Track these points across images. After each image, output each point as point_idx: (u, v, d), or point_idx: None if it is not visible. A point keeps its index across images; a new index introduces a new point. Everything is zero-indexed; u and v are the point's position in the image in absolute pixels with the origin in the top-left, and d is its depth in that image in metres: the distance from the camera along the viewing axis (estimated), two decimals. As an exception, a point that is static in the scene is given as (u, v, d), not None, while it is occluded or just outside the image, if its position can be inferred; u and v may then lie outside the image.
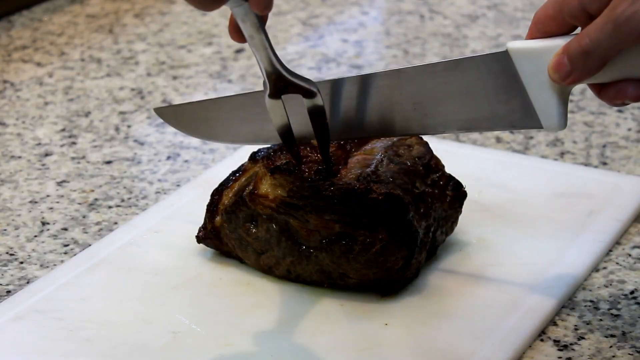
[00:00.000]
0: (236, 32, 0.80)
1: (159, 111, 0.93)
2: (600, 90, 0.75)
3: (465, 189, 0.91)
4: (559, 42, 0.74)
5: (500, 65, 0.77)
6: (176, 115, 0.92)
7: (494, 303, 0.84)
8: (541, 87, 0.76)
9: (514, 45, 0.76)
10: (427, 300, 0.85)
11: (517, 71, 0.77)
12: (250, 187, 0.87)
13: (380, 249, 0.83)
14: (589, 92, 1.23)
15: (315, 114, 0.83)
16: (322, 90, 0.83)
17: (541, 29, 0.75)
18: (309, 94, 0.82)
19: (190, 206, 0.98)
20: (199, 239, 0.92)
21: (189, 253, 0.92)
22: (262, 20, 0.78)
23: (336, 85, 0.84)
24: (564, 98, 0.76)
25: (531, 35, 0.76)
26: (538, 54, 0.75)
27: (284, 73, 0.81)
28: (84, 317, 0.84)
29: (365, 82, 0.83)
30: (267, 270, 0.89)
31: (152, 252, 0.93)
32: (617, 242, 0.93)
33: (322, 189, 0.84)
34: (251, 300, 0.86)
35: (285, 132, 0.84)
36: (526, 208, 0.97)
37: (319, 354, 0.80)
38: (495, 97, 0.79)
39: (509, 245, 0.92)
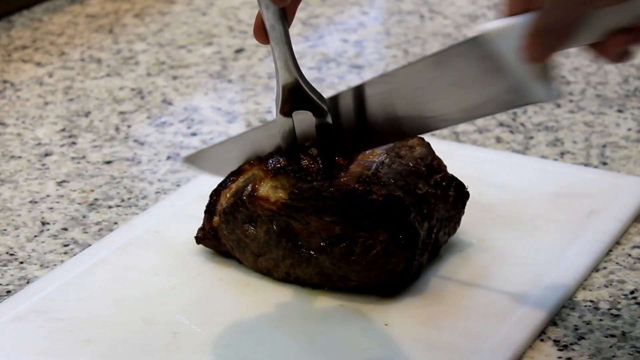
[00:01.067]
0: (260, 32, 0.80)
1: (189, 160, 0.96)
2: (595, 50, 0.74)
3: (468, 190, 0.91)
4: (527, 18, 0.74)
5: (480, 49, 0.77)
6: (203, 160, 0.95)
7: (494, 303, 0.84)
8: (521, 63, 0.75)
9: (486, 27, 0.76)
10: (427, 300, 0.85)
11: (495, 52, 0.76)
12: (249, 189, 0.87)
13: (381, 250, 0.83)
14: (589, 92, 1.23)
15: (323, 131, 0.84)
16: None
17: (511, 8, 0.75)
18: (319, 112, 0.83)
19: (190, 206, 0.98)
20: (198, 240, 0.92)
21: (189, 253, 0.92)
22: (285, 16, 0.79)
23: (332, 102, 0.84)
24: (546, 68, 0.76)
25: (503, 13, 0.76)
26: (510, 31, 0.75)
27: (301, 81, 0.81)
28: (84, 317, 0.84)
29: (359, 93, 0.84)
30: (266, 273, 0.89)
31: (152, 252, 0.93)
32: (617, 242, 0.93)
33: (322, 190, 0.84)
34: (251, 301, 0.86)
35: (290, 147, 0.85)
36: (526, 208, 0.97)
37: (319, 354, 0.80)
38: (485, 81, 0.78)
39: (509, 245, 0.92)
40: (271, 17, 0.79)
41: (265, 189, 0.86)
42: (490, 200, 0.98)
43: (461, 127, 1.15)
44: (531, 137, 1.13)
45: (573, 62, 1.32)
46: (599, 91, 1.24)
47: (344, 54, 1.37)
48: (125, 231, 0.96)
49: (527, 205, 0.98)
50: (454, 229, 0.91)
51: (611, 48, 0.73)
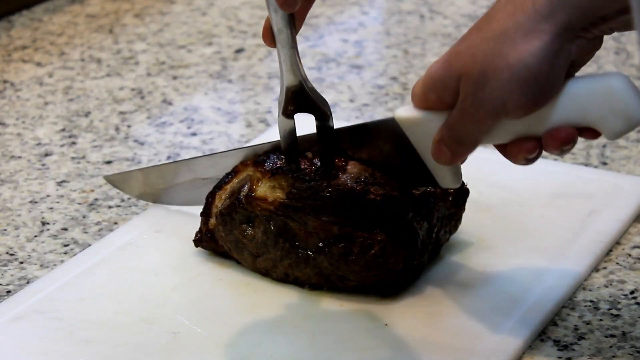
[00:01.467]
0: (269, 35, 0.81)
1: (108, 179, 1.01)
2: (502, 151, 0.77)
3: (467, 187, 0.91)
4: (437, 116, 0.76)
5: (394, 131, 0.80)
6: (123, 181, 1.00)
7: (494, 303, 0.84)
8: (429, 151, 0.78)
9: (400, 114, 0.79)
10: (428, 300, 0.85)
11: (408, 137, 0.80)
12: (246, 190, 0.87)
13: (379, 250, 0.83)
14: (589, 92, 1.23)
15: (324, 133, 0.84)
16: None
17: (419, 104, 0.78)
18: (322, 115, 0.84)
19: (190, 206, 0.98)
20: (196, 243, 0.92)
21: (189, 253, 0.92)
22: (293, 21, 0.79)
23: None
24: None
25: (415, 104, 0.78)
26: (421, 123, 0.78)
27: (305, 85, 0.82)
28: (83, 317, 0.84)
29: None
30: (265, 273, 0.88)
31: (152, 252, 0.93)
32: (617, 242, 0.93)
33: (320, 190, 0.84)
34: (251, 301, 0.86)
35: (290, 148, 0.85)
36: (526, 208, 0.97)
37: (319, 354, 0.80)
38: (401, 160, 0.82)
39: (509, 245, 0.92)
40: (279, 22, 0.79)
41: (263, 189, 0.86)
42: (491, 200, 0.98)
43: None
44: (531, 137, 1.13)
45: (573, 62, 1.32)
46: (599, 91, 1.23)
47: (344, 54, 1.37)
48: (125, 231, 0.96)
49: (528, 205, 0.98)
50: (455, 227, 0.91)
51: (517, 153, 0.75)
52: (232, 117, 1.20)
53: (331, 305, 0.85)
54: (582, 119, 0.73)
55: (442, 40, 1.40)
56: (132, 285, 0.88)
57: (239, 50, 1.38)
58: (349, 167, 0.86)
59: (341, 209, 0.83)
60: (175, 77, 1.31)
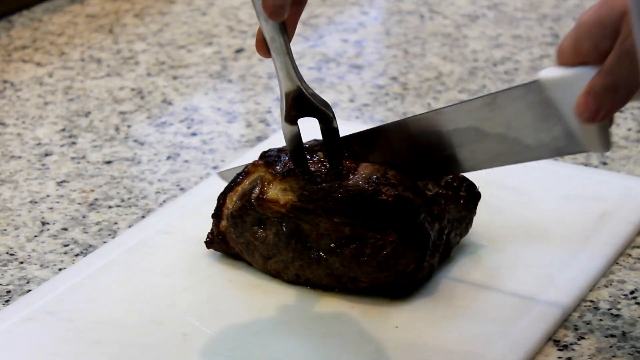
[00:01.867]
0: (263, 45, 0.81)
1: (222, 175, 0.99)
2: None
3: (479, 190, 0.91)
4: (588, 71, 0.72)
5: (536, 95, 0.76)
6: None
7: (505, 306, 0.84)
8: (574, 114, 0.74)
9: (545, 74, 0.75)
10: (438, 303, 0.85)
11: (552, 100, 0.75)
12: (257, 192, 0.87)
13: (390, 251, 0.83)
14: (589, 92, 1.23)
15: (330, 136, 0.84)
16: (364, 140, 0.85)
17: (568, 58, 0.73)
18: (325, 118, 0.84)
19: (201, 207, 0.97)
20: (208, 244, 0.91)
21: (200, 254, 0.92)
22: (285, 28, 0.80)
23: (374, 135, 0.85)
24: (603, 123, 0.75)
25: (562, 61, 0.74)
26: (570, 82, 0.73)
27: (304, 89, 0.82)
28: (94, 318, 0.84)
29: (403, 127, 0.84)
30: (276, 275, 0.88)
31: (163, 253, 0.93)
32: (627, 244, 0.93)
33: (331, 191, 0.84)
34: (261, 302, 0.86)
35: (298, 153, 0.85)
36: (537, 210, 0.97)
37: (329, 356, 0.80)
38: (536, 127, 0.77)
39: (521, 247, 0.92)
40: (271, 30, 0.79)
41: (275, 192, 0.86)
42: (502, 202, 0.98)
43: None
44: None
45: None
46: (599, 91, 1.23)
47: (344, 54, 1.37)
48: (136, 232, 0.96)
49: (539, 207, 0.98)
50: (466, 230, 0.91)
51: None
52: (232, 117, 1.20)
53: (341, 307, 0.85)
54: None
55: (442, 40, 1.40)
56: (143, 286, 0.88)
57: (239, 50, 1.38)
58: (360, 168, 0.85)
59: (353, 209, 0.83)
60: (175, 77, 1.31)
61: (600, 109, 0.72)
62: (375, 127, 0.86)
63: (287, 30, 0.80)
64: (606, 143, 0.75)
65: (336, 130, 0.84)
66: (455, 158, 0.83)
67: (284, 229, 0.86)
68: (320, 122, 0.84)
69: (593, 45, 0.71)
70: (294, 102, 0.82)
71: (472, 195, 0.90)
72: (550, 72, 0.74)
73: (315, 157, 0.86)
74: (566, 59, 0.73)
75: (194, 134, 1.16)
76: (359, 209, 0.83)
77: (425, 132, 0.83)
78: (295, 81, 0.82)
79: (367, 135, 0.85)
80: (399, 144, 0.84)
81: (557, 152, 0.78)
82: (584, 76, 0.72)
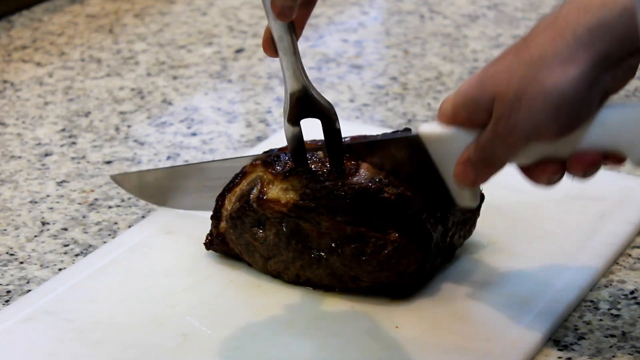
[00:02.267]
0: (270, 45, 0.81)
1: (114, 178, 1.02)
2: (524, 172, 0.78)
3: (483, 192, 0.91)
4: (464, 135, 0.77)
5: (414, 148, 0.81)
6: (130, 182, 1.00)
7: (506, 306, 0.84)
8: (450, 168, 0.79)
9: (425, 130, 0.79)
10: (439, 302, 0.85)
11: (429, 153, 0.80)
12: (256, 192, 0.87)
13: (392, 251, 0.83)
14: (589, 92, 1.23)
15: (332, 136, 0.84)
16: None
17: (447, 119, 0.78)
18: (327, 119, 0.84)
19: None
20: (207, 245, 0.91)
21: (200, 255, 0.92)
22: (293, 27, 0.80)
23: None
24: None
25: (441, 119, 0.79)
26: (446, 141, 0.78)
27: (309, 88, 0.82)
28: (94, 318, 0.84)
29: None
30: (276, 275, 0.88)
31: (163, 253, 0.93)
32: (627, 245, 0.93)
33: (334, 189, 0.84)
34: (262, 302, 0.86)
35: (299, 153, 0.85)
36: (538, 210, 0.97)
37: (330, 356, 0.79)
38: (416, 176, 0.83)
39: (521, 247, 0.92)
40: (279, 29, 0.79)
41: (275, 191, 0.86)
42: (502, 202, 0.98)
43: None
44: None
45: (573, 62, 1.32)
46: (599, 91, 1.23)
47: (344, 54, 1.37)
48: (136, 232, 0.96)
49: (539, 207, 0.98)
50: (470, 232, 0.91)
51: (540, 174, 0.77)
52: (232, 117, 1.20)
53: (342, 307, 0.85)
54: (610, 145, 0.74)
55: (442, 40, 1.40)
56: (143, 287, 0.88)
57: (239, 50, 1.38)
58: (362, 169, 0.85)
59: (355, 208, 0.83)
60: (175, 77, 1.31)
61: (477, 178, 0.78)
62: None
63: (295, 30, 0.80)
64: (475, 199, 0.82)
65: (339, 131, 0.84)
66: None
67: (284, 229, 0.86)
68: (322, 123, 0.84)
69: (468, 116, 0.76)
70: (297, 103, 0.82)
71: None
72: (430, 127, 0.79)
73: (316, 157, 0.86)
74: (445, 118, 0.77)
75: (194, 134, 1.16)
76: (362, 207, 0.83)
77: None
78: (301, 81, 0.82)
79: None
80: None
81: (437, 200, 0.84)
82: (459, 138, 0.77)
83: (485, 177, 0.77)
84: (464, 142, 0.77)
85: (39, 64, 1.35)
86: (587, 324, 0.83)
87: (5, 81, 1.30)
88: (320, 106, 0.83)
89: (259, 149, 1.05)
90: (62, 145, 1.15)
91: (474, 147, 0.76)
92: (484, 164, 0.76)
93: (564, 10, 0.71)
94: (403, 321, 0.83)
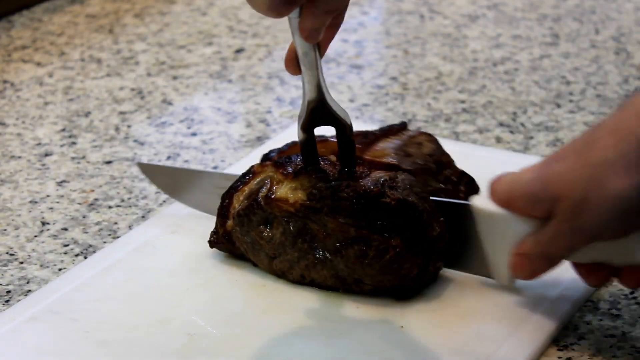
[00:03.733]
0: (292, 63, 0.82)
1: (142, 167, 1.02)
2: (577, 269, 0.79)
3: (478, 185, 0.91)
4: (517, 221, 0.76)
5: (462, 215, 0.83)
6: (156, 174, 1.01)
7: (510, 307, 0.84)
8: (496, 246, 0.79)
9: (480, 205, 0.79)
10: (444, 303, 0.85)
11: (476, 225, 0.80)
12: (264, 191, 0.87)
13: (394, 256, 0.83)
14: (589, 92, 1.23)
15: (345, 146, 0.86)
16: None
17: (501, 202, 0.78)
18: (342, 128, 0.85)
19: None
20: (212, 244, 0.91)
21: (205, 254, 0.92)
22: (318, 45, 0.81)
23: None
24: None
25: (494, 199, 0.78)
26: (499, 222, 0.77)
27: (327, 99, 0.84)
28: (99, 318, 0.84)
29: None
30: (281, 275, 0.88)
31: (168, 253, 0.92)
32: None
33: (339, 190, 0.84)
34: (267, 302, 0.86)
35: (311, 157, 0.86)
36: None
37: (334, 356, 0.79)
38: (462, 244, 0.85)
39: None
40: (305, 45, 0.81)
41: (284, 191, 0.86)
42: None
43: (461, 127, 1.15)
44: (531, 137, 1.13)
45: (573, 62, 1.32)
46: (599, 91, 1.24)
47: (344, 54, 1.37)
48: (141, 232, 0.96)
49: None
50: None
51: (593, 276, 0.78)
52: (232, 117, 1.20)
53: (347, 307, 0.85)
54: None
55: (442, 40, 1.40)
56: (148, 286, 0.88)
57: (239, 50, 1.38)
58: (372, 173, 0.85)
59: (357, 210, 0.83)
60: (175, 77, 1.31)
61: (534, 272, 0.78)
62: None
63: (319, 49, 0.82)
64: (513, 282, 0.81)
65: (352, 141, 0.86)
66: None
67: (291, 228, 0.86)
68: (337, 131, 0.85)
69: (525, 208, 0.76)
70: (313, 112, 0.84)
71: (472, 189, 0.90)
72: (483, 202, 0.78)
73: (327, 161, 0.86)
74: (500, 203, 0.77)
75: (194, 134, 1.16)
76: (364, 210, 0.83)
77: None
78: (321, 93, 0.83)
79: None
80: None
81: (468, 268, 0.87)
82: (512, 223, 0.77)
83: (542, 272, 0.77)
84: (516, 227, 0.76)
85: (39, 64, 1.35)
86: (587, 324, 0.83)
87: (5, 81, 1.30)
88: (336, 115, 0.85)
89: (259, 149, 1.05)
90: (62, 145, 1.15)
91: (533, 242, 0.76)
92: (543, 260, 0.77)
93: (624, 115, 0.72)
94: (408, 322, 0.83)
